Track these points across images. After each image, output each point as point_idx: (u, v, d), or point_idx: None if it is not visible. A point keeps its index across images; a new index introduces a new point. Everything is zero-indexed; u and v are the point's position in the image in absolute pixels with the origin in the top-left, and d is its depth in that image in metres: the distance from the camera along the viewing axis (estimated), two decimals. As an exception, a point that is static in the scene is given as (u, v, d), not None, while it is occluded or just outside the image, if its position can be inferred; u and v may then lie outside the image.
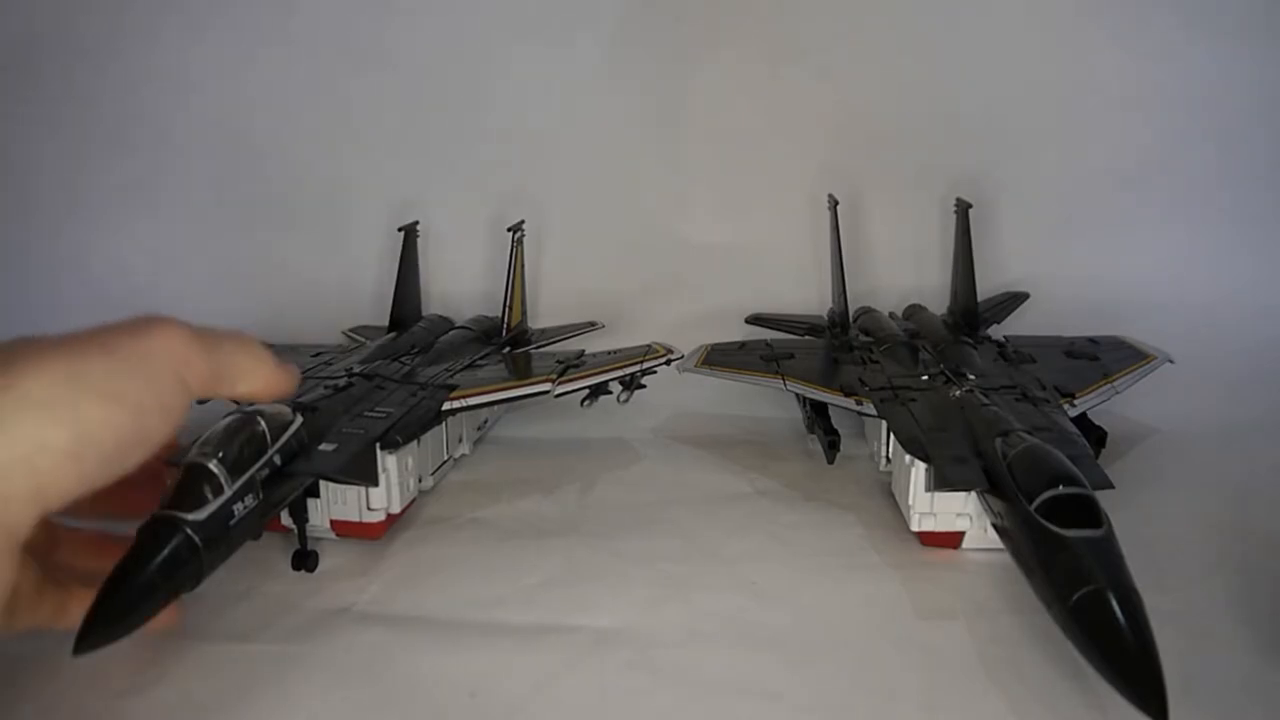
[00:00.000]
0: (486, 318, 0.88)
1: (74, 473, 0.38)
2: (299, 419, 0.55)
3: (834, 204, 0.82)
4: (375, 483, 0.57)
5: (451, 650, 0.50)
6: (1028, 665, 0.48)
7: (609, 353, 0.76)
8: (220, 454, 0.48)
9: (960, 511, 0.58)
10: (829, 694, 0.47)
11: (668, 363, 0.72)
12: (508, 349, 0.83)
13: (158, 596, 0.44)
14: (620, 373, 0.71)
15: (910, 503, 0.59)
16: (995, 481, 0.54)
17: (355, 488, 0.57)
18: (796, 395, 0.76)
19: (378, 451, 0.58)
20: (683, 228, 0.96)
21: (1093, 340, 0.79)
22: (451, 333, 0.83)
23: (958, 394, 0.64)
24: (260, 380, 0.47)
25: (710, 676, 0.48)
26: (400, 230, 0.85)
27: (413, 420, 0.62)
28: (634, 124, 0.95)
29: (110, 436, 0.39)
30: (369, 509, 0.58)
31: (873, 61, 0.91)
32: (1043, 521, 0.48)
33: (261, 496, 0.50)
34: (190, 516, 0.45)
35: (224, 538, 0.47)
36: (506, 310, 0.85)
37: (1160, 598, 0.44)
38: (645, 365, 0.72)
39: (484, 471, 0.70)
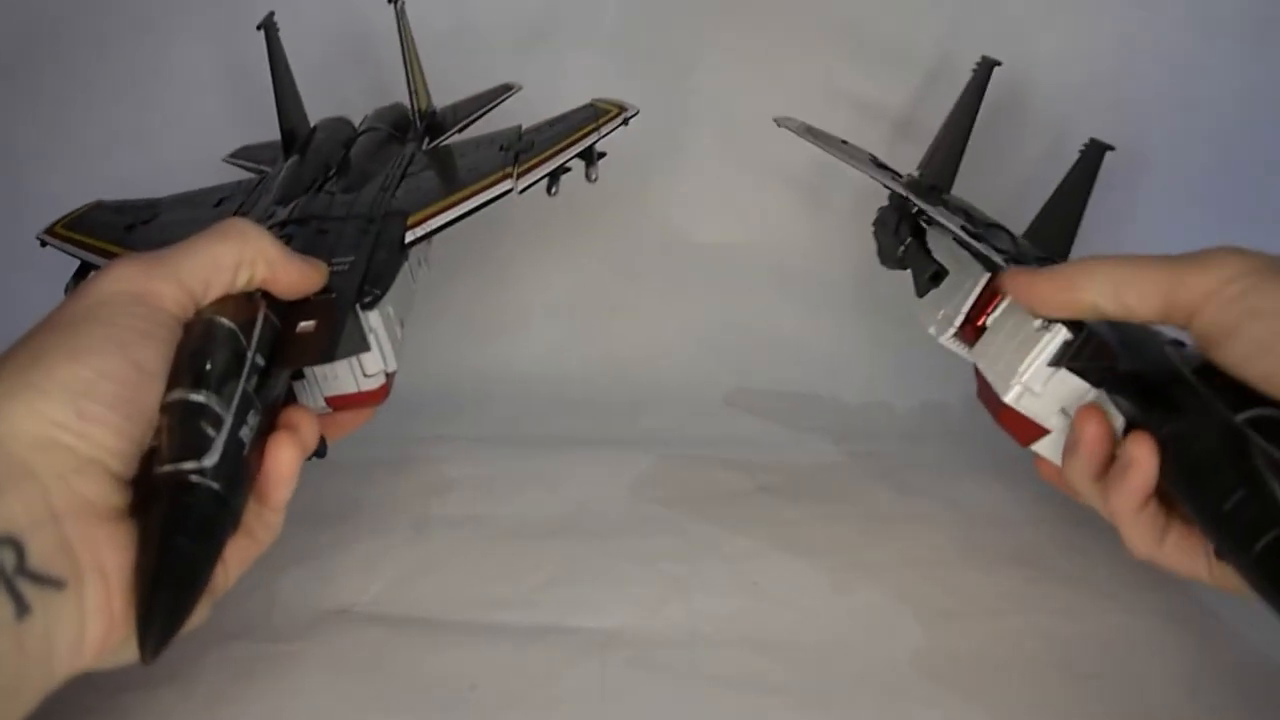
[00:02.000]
0: (387, 109, 0.76)
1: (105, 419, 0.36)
2: (263, 303, 0.46)
3: (988, 67, 0.68)
4: (367, 347, 0.50)
5: (452, 649, 0.50)
6: (1033, 666, 0.48)
7: (548, 124, 0.66)
8: (199, 380, 0.40)
9: (1066, 407, 0.48)
10: (830, 694, 0.47)
11: (625, 122, 0.63)
12: (427, 141, 0.72)
13: (203, 566, 0.38)
14: (578, 146, 0.61)
15: (1021, 368, 0.48)
16: (1161, 399, 0.43)
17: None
18: (882, 220, 0.66)
19: (359, 314, 0.51)
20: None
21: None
22: (360, 138, 0.71)
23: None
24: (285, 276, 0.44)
25: (710, 676, 0.48)
26: (259, 29, 0.71)
27: (380, 265, 0.53)
28: None
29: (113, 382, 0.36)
30: (365, 375, 0.52)
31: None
32: (1256, 441, 0.37)
33: (261, 408, 0.43)
34: (198, 465, 0.38)
35: (243, 471, 0.40)
36: (412, 96, 0.73)
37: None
38: (603, 130, 0.62)
39: (484, 468, 0.70)
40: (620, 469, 0.71)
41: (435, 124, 0.75)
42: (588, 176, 0.62)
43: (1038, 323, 0.48)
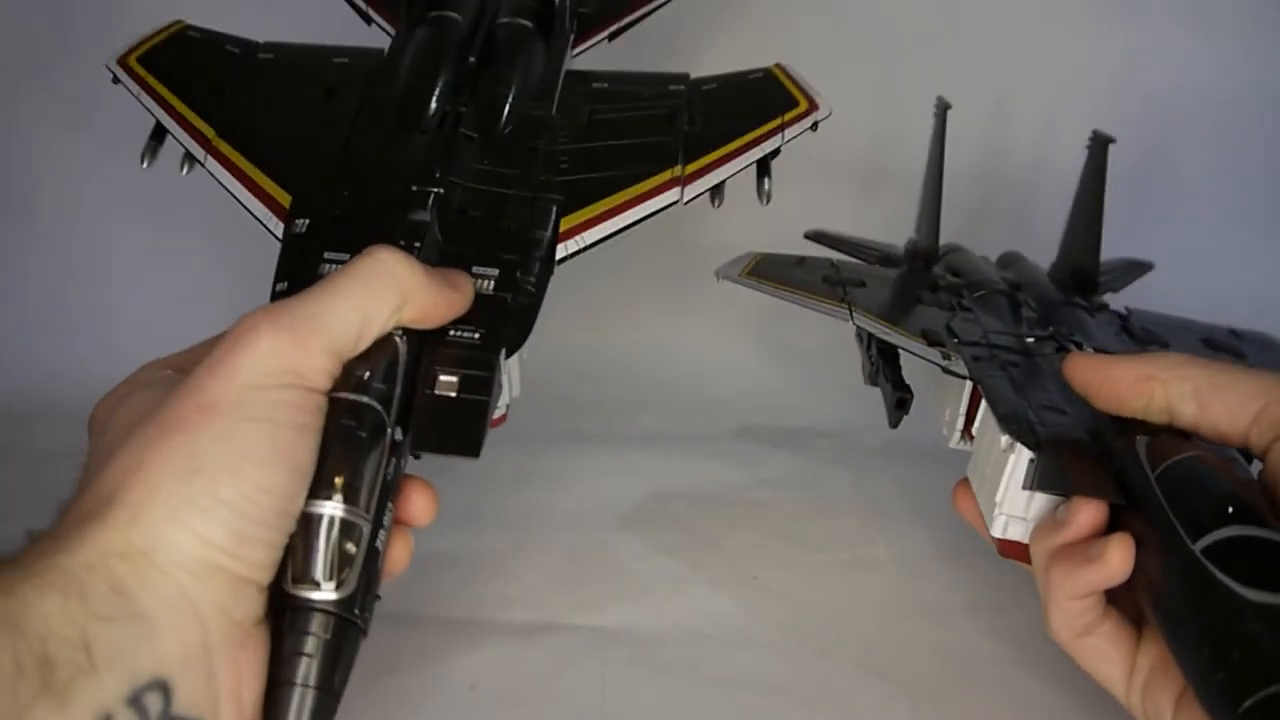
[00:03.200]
0: None
1: (254, 536, 0.33)
2: (401, 344, 0.38)
3: (943, 109, 0.65)
4: (502, 392, 0.43)
5: (452, 648, 0.49)
6: (1034, 663, 0.48)
7: (720, 88, 0.54)
8: (341, 488, 0.35)
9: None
10: (831, 691, 0.47)
11: (814, 126, 0.52)
12: (571, 44, 0.58)
13: (334, 692, 0.36)
14: (757, 151, 0.51)
15: (998, 499, 0.44)
16: (1134, 498, 0.39)
17: None
18: (859, 336, 0.61)
19: (501, 364, 0.41)
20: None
21: (1235, 333, 0.61)
22: (502, 21, 0.55)
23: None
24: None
25: (710, 673, 0.48)
26: None
27: (527, 291, 0.44)
28: None
29: (269, 494, 0.33)
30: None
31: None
32: (1214, 571, 0.33)
33: (394, 495, 0.38)
34: (335, 596, 0.35)
35: (376, 579, 0.37)
36: None
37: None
38: (788, 134, 0.51)
39: (483, 465, 0.68)
40: (620, 466, 0.70)
41: (583, 14, 0.60)
42: (760, 192, 0.52)
43: (1004, 440, 0.44)
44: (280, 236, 0.45)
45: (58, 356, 0.80)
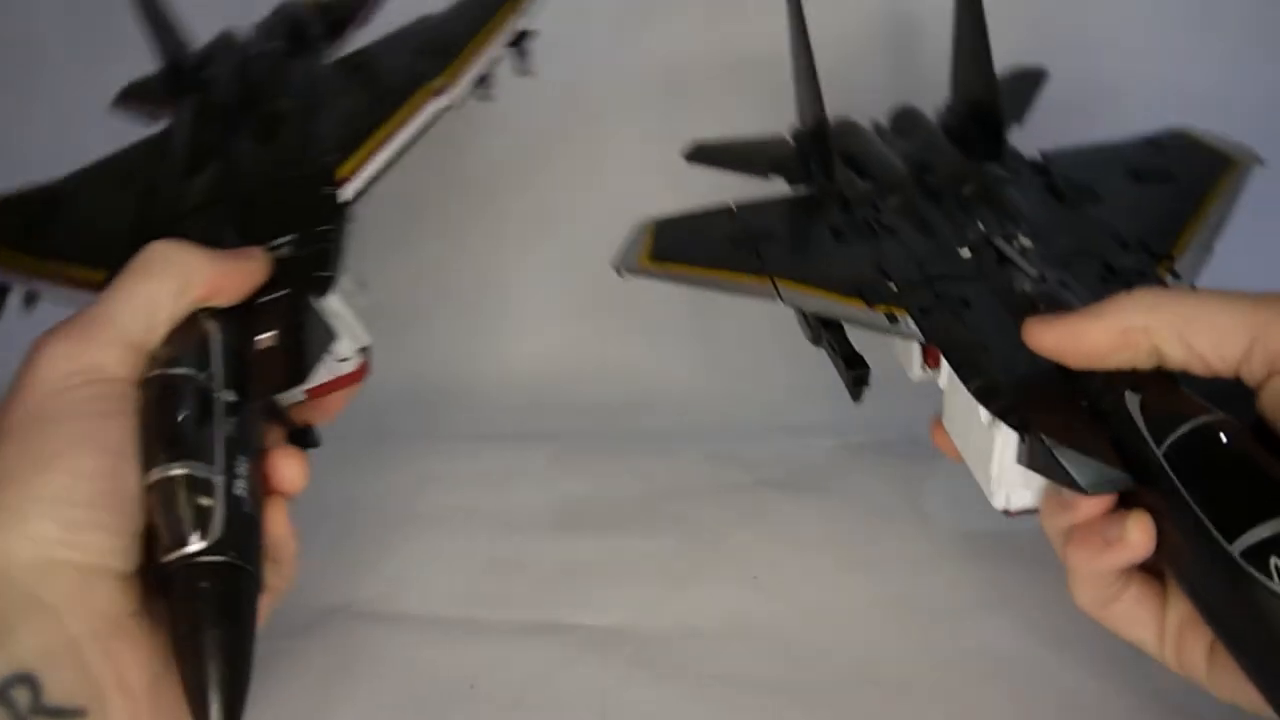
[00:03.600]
0: (276, 17, 0.65)
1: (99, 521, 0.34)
2: (211, 324, 0.41)
3: None
4: (334, 337, 0.46)
5: (451, 648, 0.49)
6: (1036, 662, 0.48)
7: (459, 5, 0.59)
8: (173, 448, 0.36)
9: None
10: (832, 692, 0.46)
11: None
12: (328, 46, 0.63)
13: (244, 647, 0.35)
14: (501, 34, 0.55)
15: (993, 474, 0.41)
16: (1139, 472, 0.35)
17: None
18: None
19: (313, 304, 0.44)
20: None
21: (1154, 145, 0.56)
22: (255, 62, 0.60)
23: (1028, 288, 0.44)
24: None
25: (710, 673, 0.48)
26: None
27: (325, 238, 0.46)
28: None
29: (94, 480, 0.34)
30: (339, 360, 0.47)
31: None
32: (1262, 579, 0.30)
33: (249, 448, 0.39)
34: (204, 544, 0.35)
35: (252, 527, 0.38)
36: None
37: None
38: (522, 6, 0.55)
39: (483, 464, 0.69)
40: (620, 465, 0.70)
41: (336, 16, 0.65)
42: (522, 68, 0.55)
43: (984, 415, 0.41)
44: None
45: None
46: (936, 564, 0.56)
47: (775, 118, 0.65)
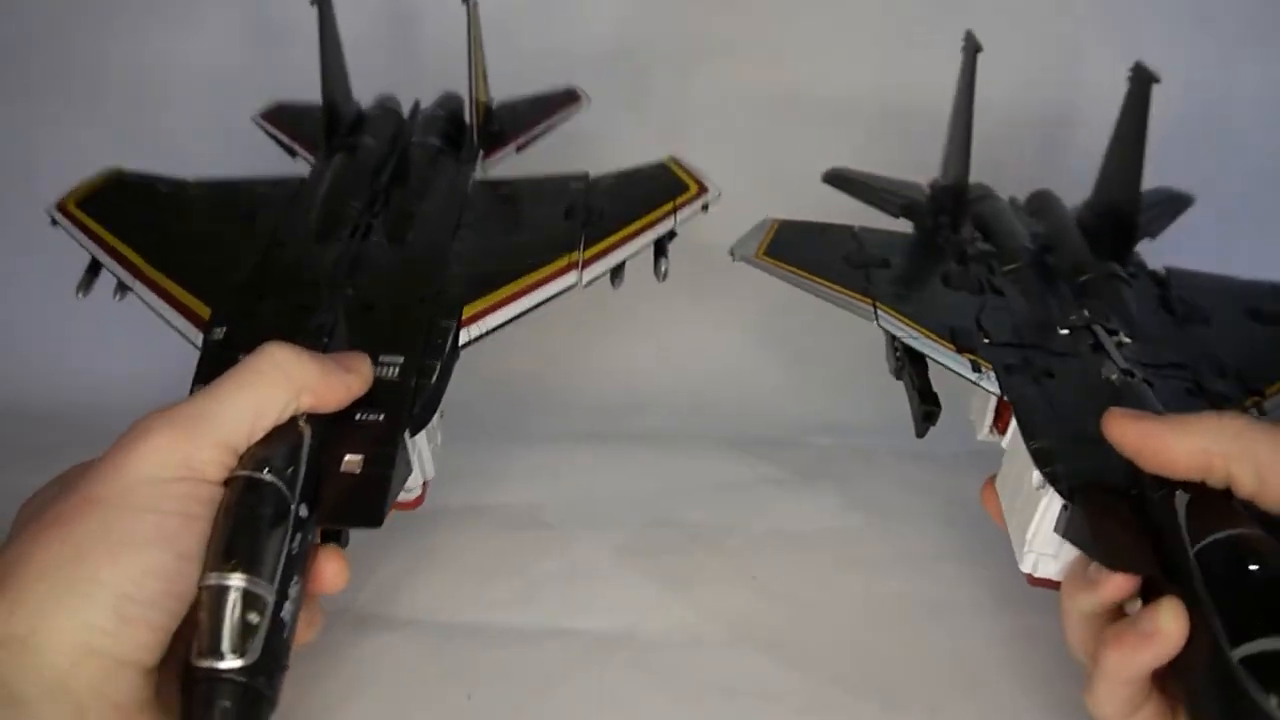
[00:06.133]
0: (441, 105, 0.67)
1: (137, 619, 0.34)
2: (306, 429, 0.41)
3: (972, 47, 0.59)
4: (410, 472, 0.45)
5: (451, 651, 0.49)
6: (1034, 666, 0.48)
7: (617, 181, 0.58)
8: (241, 560, 0.36)
9: None
10: (830, 696, 0.46)
11: (705, 208, 0.55)
12: (483, 157, 0.64)
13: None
14: (651, 233, 0.53)
15: (1028, 537, 0.43)
16: (1169, 565, 0.36)
17: None
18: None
19: (408, 442, 0.44)
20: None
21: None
22: (415, 142, 0.62)
23: (1114, 377, 0.45)
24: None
25: (710, 677, 0.48)
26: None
27: (431, 375, 0.46)
28: None
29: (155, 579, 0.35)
30: (404, 491, 0.46)
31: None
32: (1249, 687, 0.31)
33: (302, 569, 0.39)
34: (239, 664, 0.35)
35: (284, 652, 0.37)
36: (473, 102, 0.63)
37: None
38: (679, 215, 0.54)
39: (483, 464, 0.68)
40: (620, 466, 0.69)
41: (492, 131, 0.67)
42: (656, 271, 0.54)
43: (1036, 478, 0.42)
44: (200, 346, 0.47)
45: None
46: (937, 566, 0.56)
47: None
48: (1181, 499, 0.37)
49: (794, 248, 0.56)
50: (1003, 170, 0.66)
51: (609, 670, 0.48)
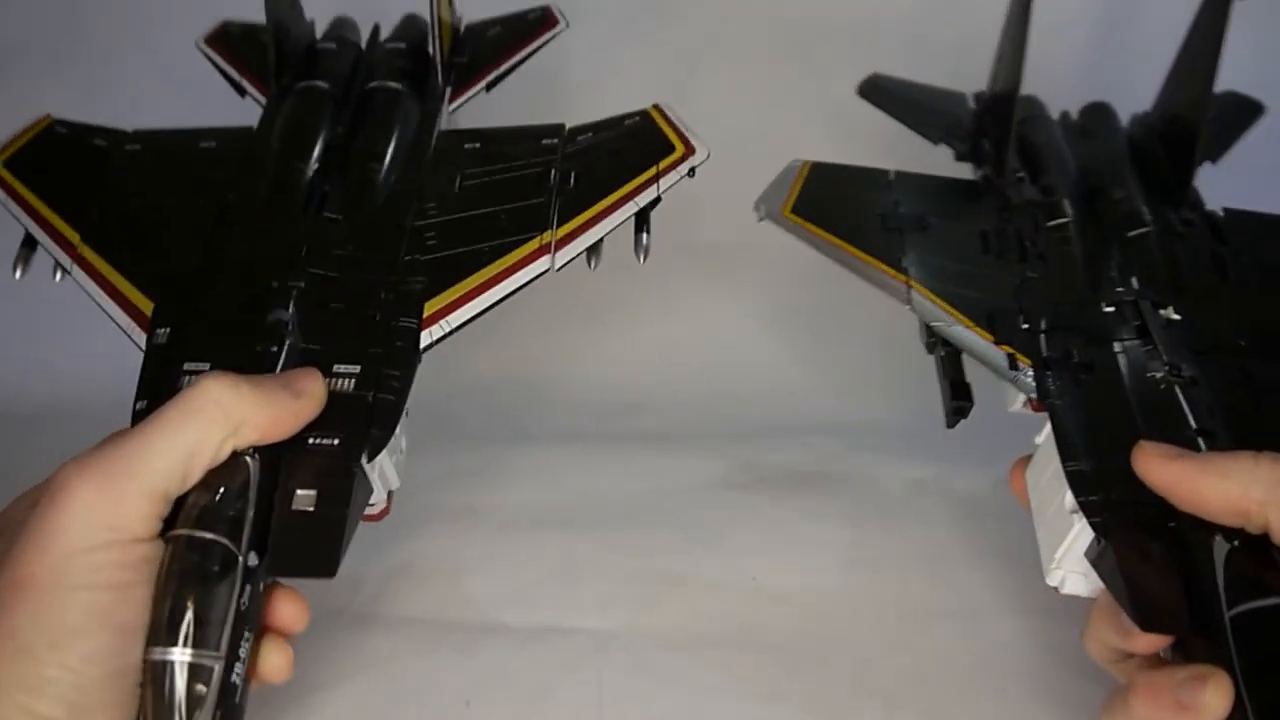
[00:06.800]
0: (412, 23, 0.61)
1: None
2: (251, 464, 0.38)
3: None
4: (371, 492, 0.42)
5: (449, 653, 0.49)
6: (1033, 669, 0.47)
7: (596, 134, 0.53)
8: (182, 635, 0.34)
9: None
10: (830, 698, 0.46)
11: (691, 172, 0.50)
12: (446, 99, 0.57)
13: None
14: (630, 205, 0.49)
15: (1057, 556, 0.41)
16: (1201, 620, 0.35)
17: None
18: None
19: (364, 469, 0.40)
20: None
21: None
22: (374, 86, 0.55)
23: (1159, 376, 0.43)
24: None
25: (710, 678, 0.48)
26: None
27: (389, 388, 0.42)
28: None
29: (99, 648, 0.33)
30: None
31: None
32: None
33: (253, 625, 0.37)
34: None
35: (237, 715, 0.36)
36: (435, 22, 0.57)
37: None
38: (662, 182, 0.50)
39: (481, 464, 0.68)
40: (620, 466, 0.68)
41: (459, 64, 0.61)
42: (637, 248, 0.50)
43: (1069, 500, 0.40)
44: (144, 347, 0.44)
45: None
46: (937, 567, 0.56)
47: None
48: (1220, 547, 0.35)
49: (825, 203, 0.52)
50: (1055, 80, 0.60)
51: (608, 671, 0.48)
